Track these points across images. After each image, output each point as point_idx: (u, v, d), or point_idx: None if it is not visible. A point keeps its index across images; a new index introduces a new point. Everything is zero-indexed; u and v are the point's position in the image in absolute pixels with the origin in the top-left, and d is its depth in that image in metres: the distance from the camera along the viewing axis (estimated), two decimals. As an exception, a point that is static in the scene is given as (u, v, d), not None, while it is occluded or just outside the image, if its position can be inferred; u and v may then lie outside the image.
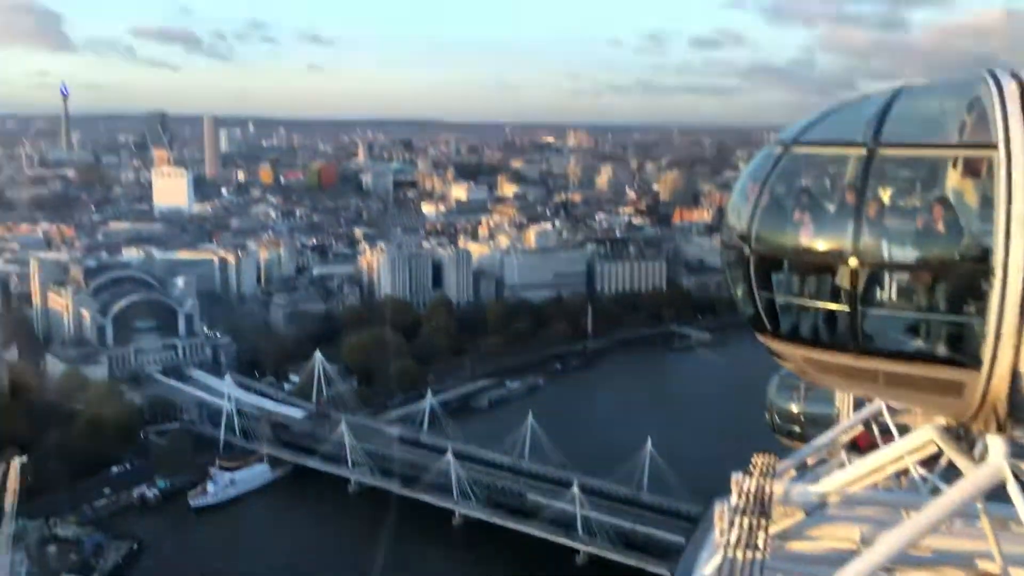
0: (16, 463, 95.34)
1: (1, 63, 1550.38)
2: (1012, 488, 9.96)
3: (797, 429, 22.37)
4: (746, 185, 11.95)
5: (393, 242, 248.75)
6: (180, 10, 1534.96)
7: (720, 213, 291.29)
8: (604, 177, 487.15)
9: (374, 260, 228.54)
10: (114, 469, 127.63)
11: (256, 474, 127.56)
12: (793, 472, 14.29)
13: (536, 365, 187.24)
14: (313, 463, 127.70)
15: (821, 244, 10.53)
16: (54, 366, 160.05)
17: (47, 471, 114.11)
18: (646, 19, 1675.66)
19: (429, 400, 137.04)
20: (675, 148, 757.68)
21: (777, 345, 11.49)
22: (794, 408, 22.81)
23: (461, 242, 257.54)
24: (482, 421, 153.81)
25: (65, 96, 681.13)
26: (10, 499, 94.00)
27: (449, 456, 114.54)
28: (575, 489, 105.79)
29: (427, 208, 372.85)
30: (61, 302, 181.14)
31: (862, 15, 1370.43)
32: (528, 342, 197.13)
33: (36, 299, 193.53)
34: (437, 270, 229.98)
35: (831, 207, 10.88)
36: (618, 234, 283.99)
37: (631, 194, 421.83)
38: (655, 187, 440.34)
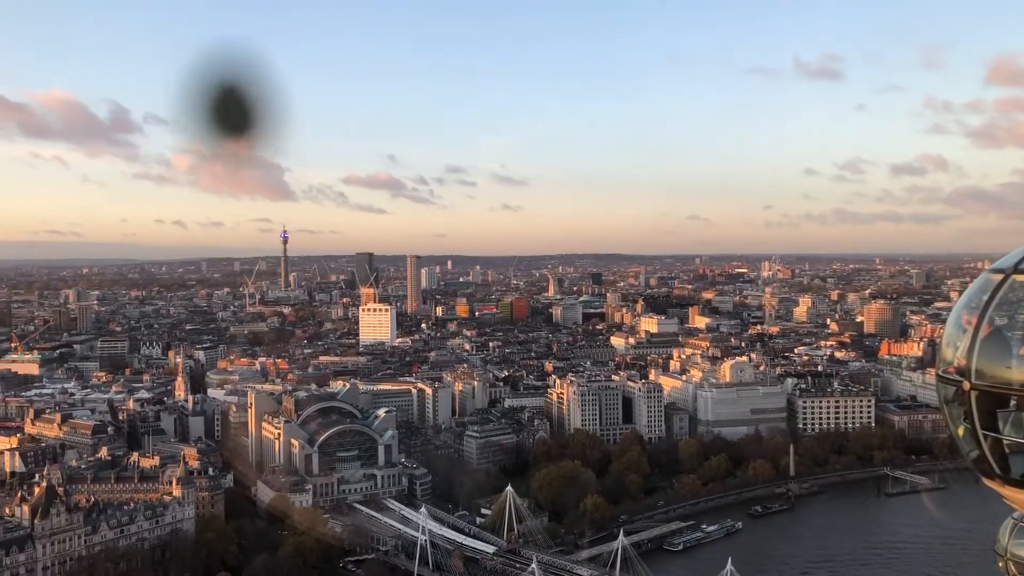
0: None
1: (232, 212, 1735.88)
2: None
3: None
4: (961, 315, 11.08)
5: (582, 375, 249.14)
6: (387, 159, 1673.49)
7: (932, 346, 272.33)
8: (803, 308, 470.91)
9: (564, 393, 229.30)
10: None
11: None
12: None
13: (734, 507, 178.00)
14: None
15: (1054, 380, 9.49)
16: (264, 493, 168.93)
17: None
18: (842, 148, 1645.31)
19: (621, 540, 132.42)
20: (878, 278, 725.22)
21: (1009, 492, 10.29)
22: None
23: (652, 375, 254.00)
24: (677, 565, 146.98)
25: (285, 240, 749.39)
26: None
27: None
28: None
29: (616, 341, 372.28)
30: (273, 431, 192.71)
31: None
32: (725, 482, 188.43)
33: (252, 428, 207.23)
34: (627, 404, 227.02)
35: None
36: (820, 368, 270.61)
37: (833, 326, 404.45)
38: (858, 318, 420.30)
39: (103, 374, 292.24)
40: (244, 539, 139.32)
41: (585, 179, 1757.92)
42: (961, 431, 10.52)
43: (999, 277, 10.69)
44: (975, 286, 11.26)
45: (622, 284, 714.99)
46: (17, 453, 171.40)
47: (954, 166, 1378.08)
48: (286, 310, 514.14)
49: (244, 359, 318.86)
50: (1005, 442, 9.98)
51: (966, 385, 10.35)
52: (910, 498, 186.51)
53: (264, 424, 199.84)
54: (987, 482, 10.38)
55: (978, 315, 10.56)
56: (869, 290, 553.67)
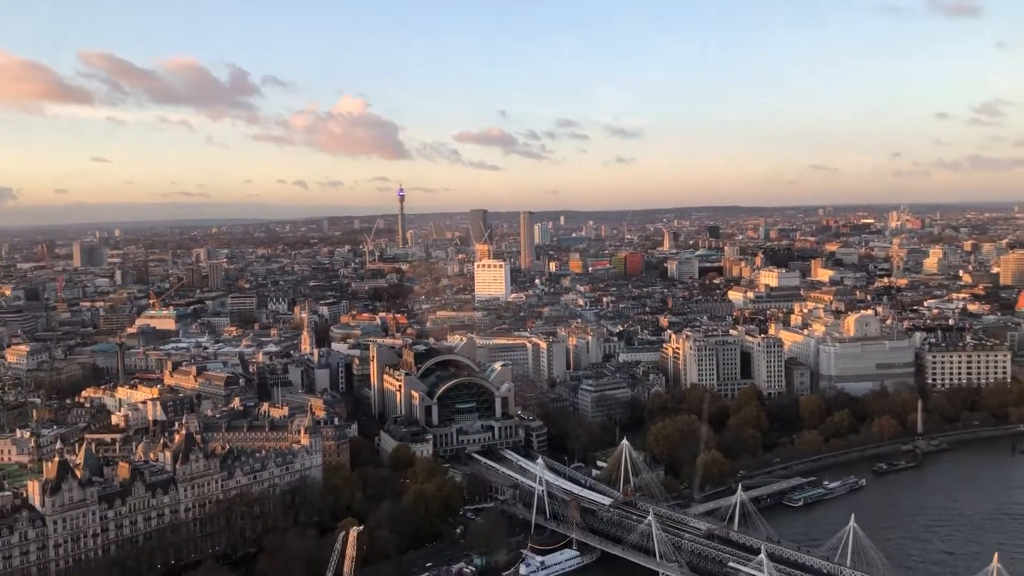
0: (354, 532, 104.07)
1: (350, 171, 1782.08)
2: None
3: None
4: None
5: (699, 329, 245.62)
6: (498, 114, 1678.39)
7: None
8: (933, 259, 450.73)
9: (680, 347, 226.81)
10: (435, 544, 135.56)
11: (566, 558, 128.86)
12: None
13: (857, 464, 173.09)
14: (621, 552, 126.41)
15: None
16: (387, 442, 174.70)
17: (379, 541, 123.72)
18: (979, 90, 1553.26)
19: (739, 495, 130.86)
20: (1016, 227, 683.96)
21: None
22: None
23: (771, 330, 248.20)
24: (797, 521, 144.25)
25: (401, 198, 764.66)
26: (348, 565, 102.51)
27: (763, 557, 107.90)
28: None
29: (734, 295, 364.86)
30: (395, 383, 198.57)
31: None
32: (848, 438, 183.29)
33: (374, 380, 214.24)
34: (745, 359, 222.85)
35: None
36: (951, 321, 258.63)
37: (965, 277, 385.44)
38: (994, 270, 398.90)
39: (233, 329, 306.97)
40: (368, 486, 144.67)
41: (701, 129, 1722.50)
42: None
43: None
44: None
45: (740, 237, 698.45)
46: (158, 403, 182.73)
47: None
48: (404, 267, 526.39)
49: (365, 314, 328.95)
50: None
51: None
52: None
53: (385, 376, 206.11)
54: None
55: None
56: (1006, 240, 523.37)
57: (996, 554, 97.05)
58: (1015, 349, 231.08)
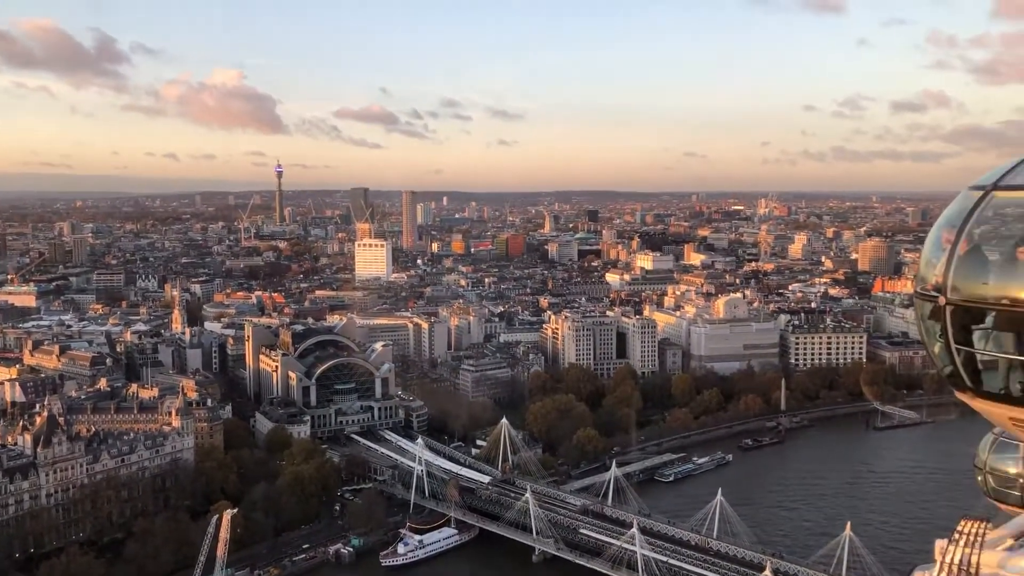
0: (228, 515, 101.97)
1: (225, 144, 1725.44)
2: None
3: (1017, 493, 18.71)
4: (941, 234, 11.31)
5: (577, 310, 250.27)
6: (379, 91, 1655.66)
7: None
8: (798, 245, 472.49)
9: (559, 328, 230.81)
10: (312, 525, 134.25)
11: (444, 537, 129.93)
12: (1011, 541, 13.05)
13: (725, 440, 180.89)
14: (498, 529, 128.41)
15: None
16: (263, 424, 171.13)
17: (254, 523, 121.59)
18: (843, 84, 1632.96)
19: (613, 472, 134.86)
20: (874, 216, 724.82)
21: (979, 404, 10.70)
22: (1012, 469, 19.05)
23: (646, 311, 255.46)
24: (668, 496, 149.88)
25: (279, 174, 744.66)
26: (221, 549, 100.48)
27: (635, 531, 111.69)
28: (768, 573, 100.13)
29: (611, 277, 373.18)
30: (271, 364, 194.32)
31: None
32: (716, 416, 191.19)
33: (249, 360, 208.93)
34: (621, 339, 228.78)
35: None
36: (813, 304, 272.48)
37: (827, 263, 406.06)
38: (853, 256, 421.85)
39: (100, 307, 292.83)
40: (243, 468, 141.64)
41: (582, 114, 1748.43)
42: (937, 348, 10.89)
43: (978, 194, 10.95)
44: (955, 204, 11.48)
45: (618, 221, 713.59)
46: (17, 383, 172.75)
47: (955, 103, 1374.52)
48: (282, 244, 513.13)
49: (240, 293, 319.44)
50: (978, 356, 10.34)
51: (941, 300, 10.67)
52: (898, 431, 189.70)
53: (262, 357, 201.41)
54: (959, 395, 10.82)
55: (956, 232, 10.85)
56: (865, 228, 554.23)
57: (848, 523, 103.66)
58: (871, 331, 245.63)
